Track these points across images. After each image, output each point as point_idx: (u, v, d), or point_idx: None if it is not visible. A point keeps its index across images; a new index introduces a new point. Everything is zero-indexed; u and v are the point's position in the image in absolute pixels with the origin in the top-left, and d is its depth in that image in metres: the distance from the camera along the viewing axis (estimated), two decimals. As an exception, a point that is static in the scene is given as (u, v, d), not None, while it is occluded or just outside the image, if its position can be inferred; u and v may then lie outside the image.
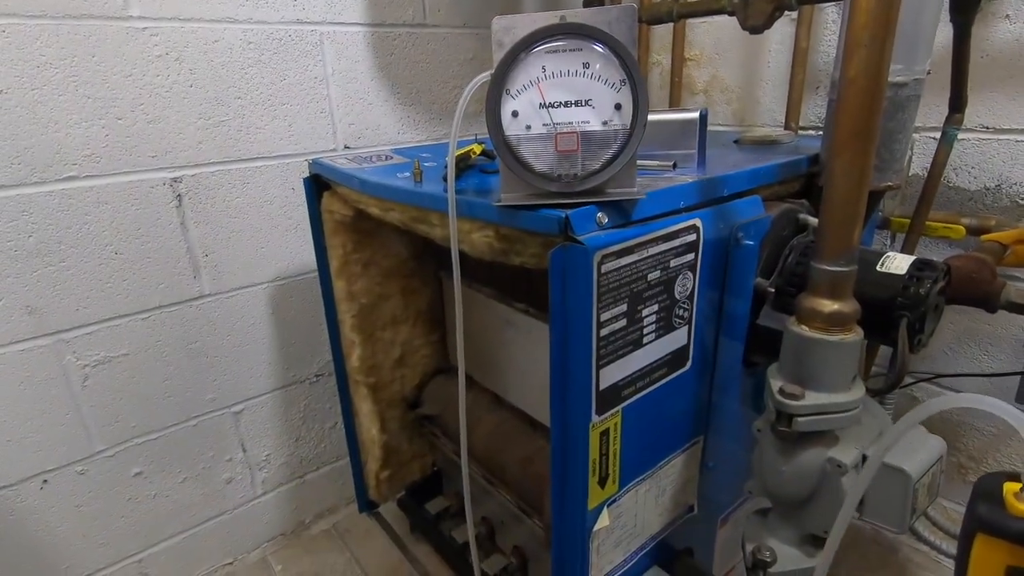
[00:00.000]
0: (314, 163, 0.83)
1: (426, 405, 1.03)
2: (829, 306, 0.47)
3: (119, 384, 0.93)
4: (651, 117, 0.66)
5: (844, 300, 0.47)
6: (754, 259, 0.58)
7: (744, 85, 1.16)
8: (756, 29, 0.82)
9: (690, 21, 1.18)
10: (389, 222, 0.70)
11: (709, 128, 1.22)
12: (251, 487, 1.13)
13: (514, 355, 0.85)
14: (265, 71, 0.95)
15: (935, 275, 0.54)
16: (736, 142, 0.87)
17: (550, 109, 0.47)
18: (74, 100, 0.81)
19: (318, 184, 0.84)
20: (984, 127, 0.87)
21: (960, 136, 0.89)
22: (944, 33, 0.71)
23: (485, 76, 0.48)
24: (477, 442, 0.92)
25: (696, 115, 0.64)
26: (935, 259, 0.59)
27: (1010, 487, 0.24)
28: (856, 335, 0.47)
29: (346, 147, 1.08)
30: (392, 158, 0.85)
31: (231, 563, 1.14)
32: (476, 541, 0.99)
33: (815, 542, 0.54)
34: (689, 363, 0.58)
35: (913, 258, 0.55)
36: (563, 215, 0.45)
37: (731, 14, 0.86)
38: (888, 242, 0.98)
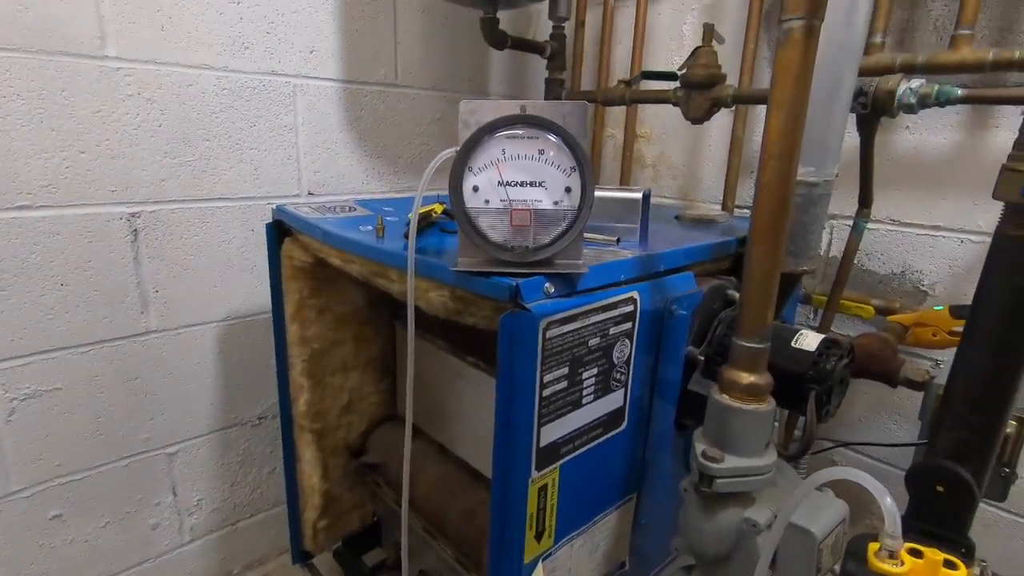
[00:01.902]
0: (278, 209, 0.85)
1: (371, 453, 1.03)
2: (747, 378, 0.52)
3: (48, 420, 0.90)
4: (600, 193, 0.73)
5: (759, 373, 0.53)
6: (686, 329, 0.64)
7: (688, 164, 1.26)
8: (697, 120, 0.92)
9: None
10: (348, 273, 0.73)
11: (655, 201, 1.32)
12: (178, 534, 1.08)
13: (462, 407, 0.87)
14: (236, 116, 0.98)
15: (840, 352, 0.61)
16: (677, 218, 0.95)
17: (507, 187, 0.52)
18: (38, 131, 0.81)
19: (280, 230, 0.86)
20: (891, 219, 0.99)
21: (872, 226, 1.00)
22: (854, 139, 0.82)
23: (450, 152, 0.53)
24: (420, 492, 0.92)
25: (639, 195, 0.71)
26: (841, 337, 0.66)
27: (872, 547, 0.29)
28: (769, 405, 0.53)
29: (310, 193, 1.11)
30: (356, 209, 0.88)
31: (148, 617, 1.08)
32: None
33: (733, 598, 0.58)
34: (625, 423, 0.63)
35: (822, 336, 0.62)
36: (514, 283, 0.49)
37: (675, 105, 0.96)
38: (811, 317, 1.08)
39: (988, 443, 0.40)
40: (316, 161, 1.10)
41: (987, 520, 0.96)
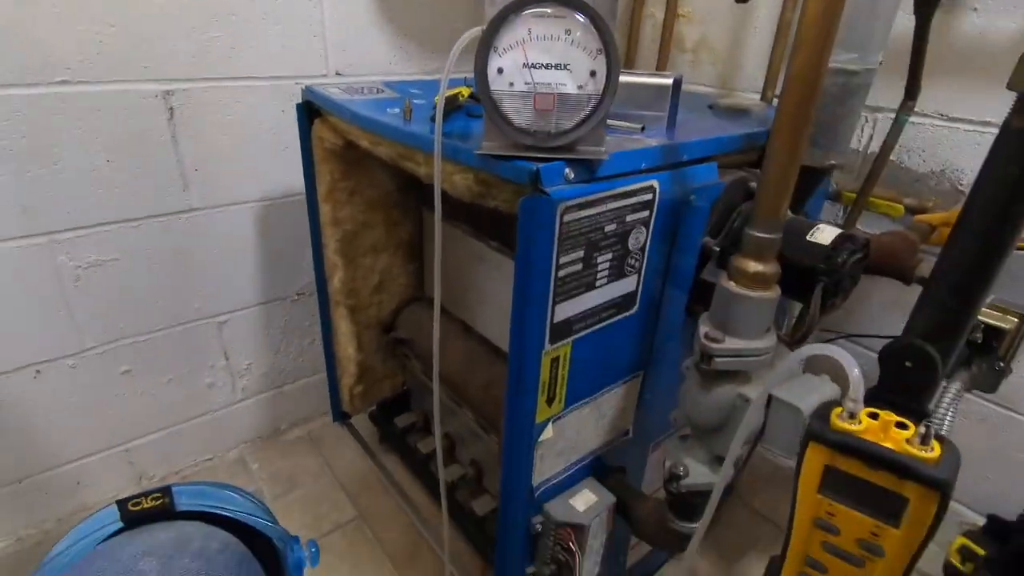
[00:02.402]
0: (307, 90, 0.86)
1: (400, 329, 1.11)
2: (754, 267, 0.54)
3: (110, 287, 0.98)
4: (628, 79, 0.71)
5: (767, 263, 0.55)
6: (703, 220, 0.65)
7: (730, 49, 1.19)
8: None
9: (686, -22, 1.19)
10: (377, 155, 0.75)
11: (692, 89, 1.27)
12: (232, 392, 1.21)
13: (484, 288, 0.92)
14: (260, -11, 0.96)
15: (854, 247, 0.62)
16: (711, 107, 0.92)
17: (532, 69, 0.52)
18: (66, 3, 0.81)
19: (310, 111, 0.87)
20: (939, 113, 0.94)
21: (915, 120, 0.95)
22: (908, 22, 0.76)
23: (476, 31, 0.52)
24: (446, 366, 1.00)
25: (670, 81, 0.69)
26: (860, 234, 0.67)
27: (836, 410, 0.33)
28: (774, 293, 0.55)
29: (337, 74, 1.09)
30: (383, 91, 0.88)
31: (211, 459, 1.24)
32: (466, 480, 1.10)
33: (721, 462, 0.64)
34: (636, 307, 0.66)
35: (839, 231, 0.63)
36: (535, 168, 0.51)
37: (721, -20, 0.89)
38: (839, 214, 1.06)
39: (960, 326, 0.42)
40: (343, 39, 1.07)
41: (982, 414, 1.00)
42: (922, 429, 0.30)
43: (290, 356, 1.27)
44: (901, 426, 0.32)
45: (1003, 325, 0.59)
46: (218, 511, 0.55)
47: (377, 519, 1.12)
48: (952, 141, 0.93)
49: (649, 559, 1.01)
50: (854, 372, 0.33)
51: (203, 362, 1.15)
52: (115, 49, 0.86)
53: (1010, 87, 0.40)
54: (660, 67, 1.24)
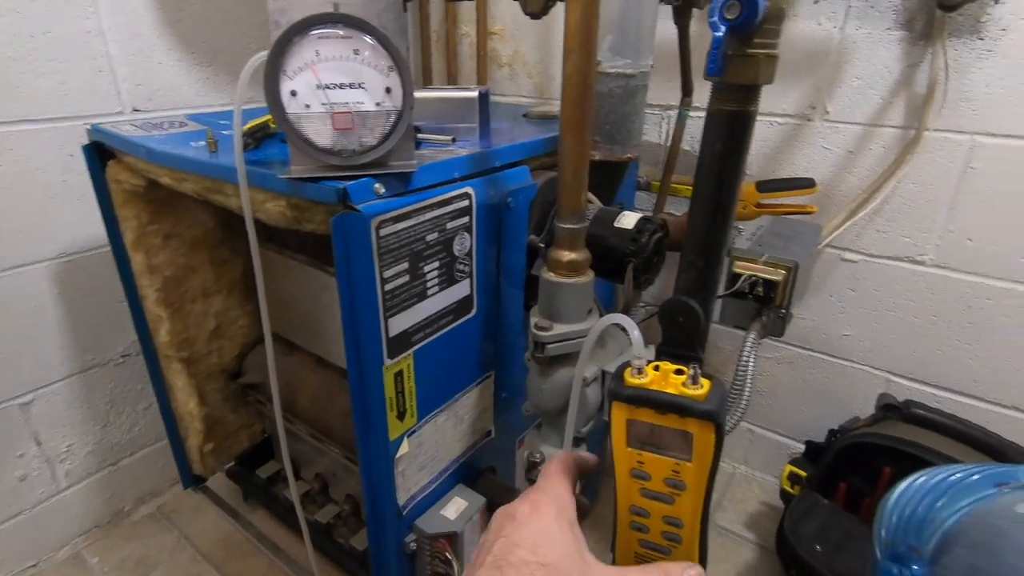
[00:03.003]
0: (94, 129, 0.78)
1: (249, 374, 1.04)
2: (567, 256, 0.59)
3: None
4: (436, 94, 0.74)
5: (578, 251, 0.60)
6: (524, 220, 0.70)
7: (542, 61, 1.28)
8: (535, 15, 0.93)
9: (491, -2, 1.26)
10: (184, 192, 0.70)
11: (512, 100, 1.34)
12: (52, 481, 1.05)
13: (331, 316, 0.89)
14: (21, 22, 0.85)
15: (653, 228, 0.70)
16: (525, 116, 0.98)
17: (326, 90, 0.52)
18: None
19: (101, 152, 0.79)
20: (716, 107, 1.09)
21: (695, 114, 1.10)
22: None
23: (262, 56, 0.51)
24: (302, 403, 0.96)
25: (475, 94, 0.73)
26: (662, 216, 0.75)
27: (628, 370, 0.37)
28: (588, 277, 0.61)
29: (135, 110, 1.00)
30: (187, 125, 0.83)
31: (35, 565, 1.06)
32: (310, 496, 1.04)
33: (575, 442, 0.69)
34: (475, 310, 0.69)
35: (639, 215, 0.71)
36: (342, 186, 0.51)
37: (514, -1, 0.96)
38: (652, 203, 1.19)
39: (711, 280, 0.50)
40: (136, 72, 0.99)
41: (789, 357, 1.17)
42: (691, 371, 0.35)
43: (123, 427, 1.13)
44: (679, 372, 0.37)
45: (775, 278, 0.70)
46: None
47: (251, 583, 1.03)
48: (729, 129, 1.08)
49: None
50: (634, 332, 0.38)
51: (8, 452, 0.98)
52: None
53: (706, 78, 0.48)
54: (480, 82, 1.30)
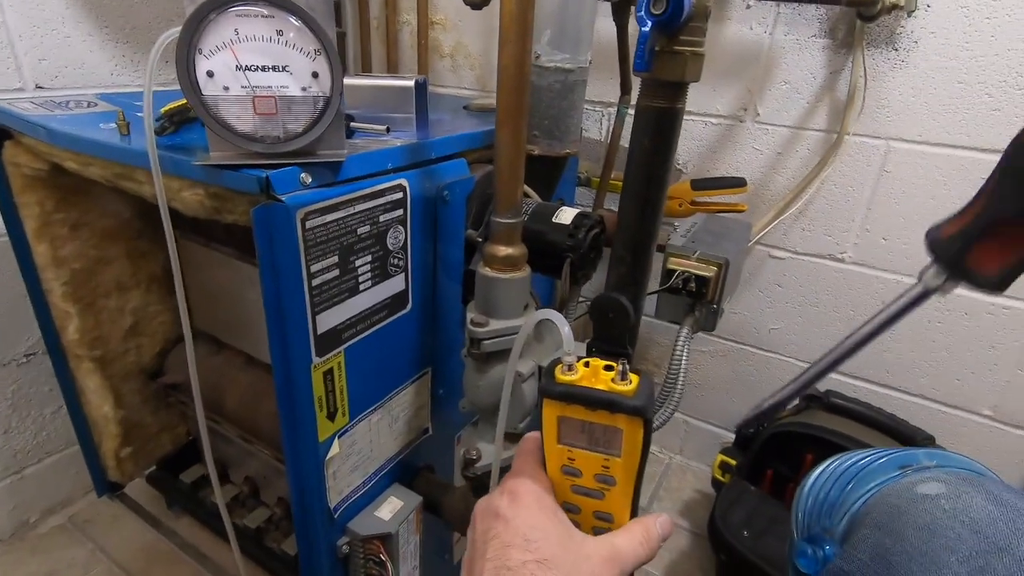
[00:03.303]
0: (-15, 106, 0.71)
1: (171, 373, 0.98)
2: (503, 251, 0.59)
3: None
4: (371, 82, 0.71)
5: (515, 246, 0.59)
6: (460, 214, 0.68)
7: (484, 53, 1.27)
8: (476, 6, 0.91)
9: (432, -14, 1.24)
10: (91, 178, 0.65)
11: (453, 92, 1.32)
12: (-56, 493, 0.96)
13: (260, 313, 0.84)
14: (-101, -16, 0.76)
15: (590, 223, 0.70)
16: (465, 108, 0.96)
17: (247, 72, 0.49)
18: None
19: (-4, 132, 0.72)
20: (654, 106, 1.11)
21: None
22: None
23: (175, 32, 0.48)
24: (231, 403, 0.91)
25: (412, 83, 0.71)
26: (603, 212, 0.76)
27: (559, 367, 0.37)
28: (524, 273, 0.60)
29: (38, 87, 0.92)
30: (96, 105, 0.76)
31: (-76, 586, 0.97)
32: (239, 500, 1.00)
33: (512, 438, 0.68)
34: (410, 305, 0.67)
35: (577, 211, 0.71)
36: (264, 175, 0.48)
37: (454, -12, 0.94)
38: (593, 199, 1.20)
39: (640, 275, 0.51)
40: (39, 47, 0.91)
41: (723, 350, 1.22)
42: (619, 367, 0.35)
43: (28, 432, 1.04)
44: (608, 368, 0.37)
45: (707, 274, 0.72)
46: None
47: (174, 594, 0.98)
48: (667, 128, 1.11)
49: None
50: (565, 329, 0.37)
51: None
52: None
53: (634, 73, 0.49)
54: (421, 72, 1.27)
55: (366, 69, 1.37)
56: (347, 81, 0.71)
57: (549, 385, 0.37)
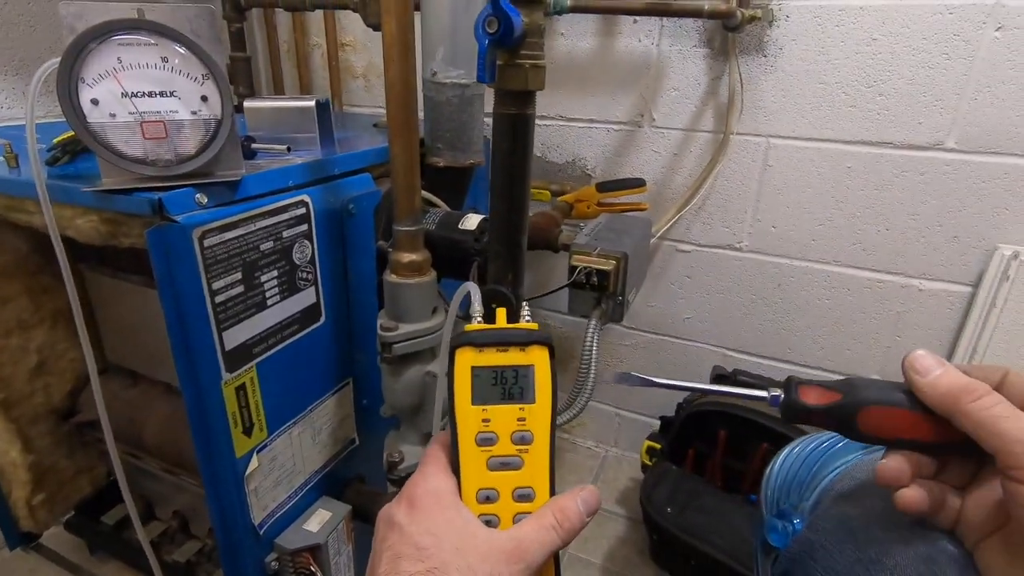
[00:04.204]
0: None
1: (85, 411, 0.94)
2: (407, 257, 0.62)
3: None
4: (270, 104, 0.73)
5: (418, 251, 0.62)
6: (368, 226, 0.71)
7: (396, 72, 1.30)
8: (376, 27, 0.95)
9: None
10: (-21, 214, 0.63)
11: (365, 111, 1.34)
12: None
13: (175, 340, 0.84)
14: None
15: (496, 228, 0.74)
16: (375, 125, 0.99)
17: (133, 99, 0.50)
18: None
19: None
20: (560, 116, 1.17)
21: (547, 123, 1.17)
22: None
23: (54, 63, 0.49)
24: (150, 436, 0.89)
25: (312, 103, 0.73)
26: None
27: (468, 326, 0.39)
28: (429, 277, 0.63)
29: (-81, 124, 0.88)
30: (-17, 139, 0.74)
31: None
32: (168, 535, 0.97)
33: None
34: (323, 318, 0.69)
35: (482, 217, 0.75)
36: (156, 197, 0.49)
37: (355, 11, 0.97)
38: (511, 206, 1.25)
39: (514, 267, 0.56)
40: (-83, 81, 0.87)
41: (643, 343, 1.28)
42: (523, 312, 0.38)
43: (-74, 489, 0.97)
44: (512, 319, 0.39)
45: (607, 267, 0.77)
46: None
47: (101, 643, 0.93)
48: (573, 136, 1.17)
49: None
50: (476, 293, 0.40)
51: None
52: None
53: (488, 85, 0.54)
54: (334, 93, 1.29)
55: (279, 92, 1.37)
56: (248, 104, 0.73)
57: (461, 337, 0.38)
